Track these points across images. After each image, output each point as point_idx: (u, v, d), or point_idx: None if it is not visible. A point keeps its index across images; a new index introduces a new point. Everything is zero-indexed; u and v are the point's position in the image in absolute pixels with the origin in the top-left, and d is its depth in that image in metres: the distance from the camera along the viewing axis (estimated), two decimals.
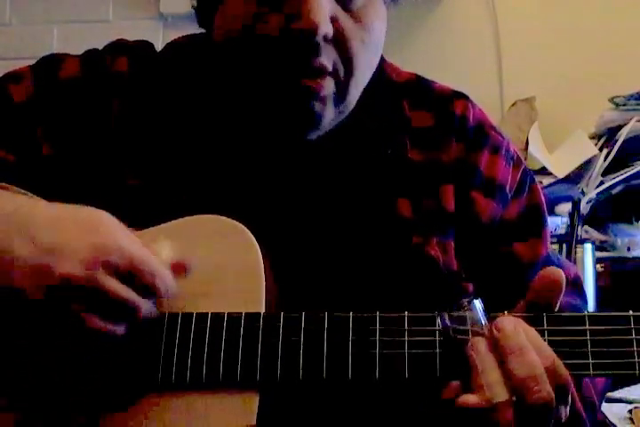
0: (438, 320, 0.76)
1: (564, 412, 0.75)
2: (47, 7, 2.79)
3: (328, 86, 0.84)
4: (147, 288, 0.75)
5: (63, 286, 0.72)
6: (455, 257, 0.91)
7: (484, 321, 0.74)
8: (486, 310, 0.75)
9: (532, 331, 0.75)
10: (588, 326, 0.76)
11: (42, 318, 0.74)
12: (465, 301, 0.74)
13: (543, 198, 1.00)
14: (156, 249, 0.78)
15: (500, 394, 0.71)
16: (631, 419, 1.48)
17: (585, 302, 0.97)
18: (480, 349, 0.72)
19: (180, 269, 0.78)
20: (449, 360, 0.76)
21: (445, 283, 0.89)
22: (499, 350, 0.72)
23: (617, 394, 1.50)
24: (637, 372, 0.75)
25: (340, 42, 0.83)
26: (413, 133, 0.94)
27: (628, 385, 1.58)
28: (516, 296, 0.91)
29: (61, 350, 0.79)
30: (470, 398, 0.71)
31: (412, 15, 2.58)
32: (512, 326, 0.73)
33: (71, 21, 2.78)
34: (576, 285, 0.98)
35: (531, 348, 0.72)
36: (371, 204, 0.90)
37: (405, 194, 0.91)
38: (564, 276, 0.76)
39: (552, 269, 0.77)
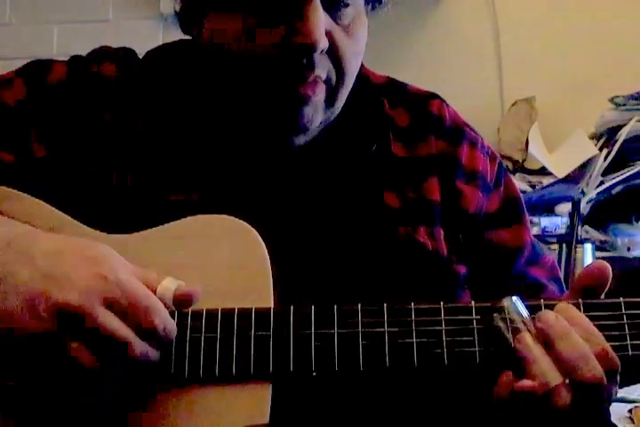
0: (489, 320, 0.79)
1: (615, 390, 0.80)
2: (47, 7, 2.79)
3: (320, 93, 0.88)
4: (144, 328, 0.74)
5: (57, 313, 0.72)
6: (445, 243, 0.95)
7: (526, 315, 0.78)
8: (526, 305, 0.79)
9: (581, 317, 0.78)
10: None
11: (32, 344, 0.73)
12: (506, 300, 0.79)
13: (518, 189, 1.06)
14: (159, 281, 0.77)
15: (555, 378, 0.75)
16: (631, 419, 1.48)
17: (561, 288, 1.02)
18: (527, 341, 0.77)
19: (185, 301, 0.77)
20: (489, 355, 0.79)
21: (436, 267, 0.92)
22: (544, 339, 0.76)
23: (617, 394, 1.51)
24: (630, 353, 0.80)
25: (333, 54, 0.88)
26: (395, 130, 0.98)
27: (628, 385, 1.58)
28: (505, 280, 0.98)
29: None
30: (527, 383, 0.75)
31: (411, 15, 2.59)
32: (552, 315, 0.78)
33: (71, 21, 2.78)
34: (554, 271, 1.04)
35: (573, 331, 0.77)
36: (359, 198, 0.93)
37: (391, 187, 0.95)
38: (610, 269, 0.82)
39: (601, 263, 0.82)
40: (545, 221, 2.19)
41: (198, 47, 0.92)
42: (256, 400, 0.78)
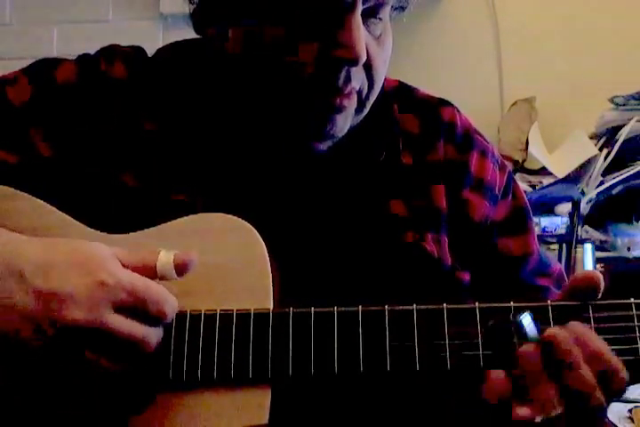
0: (491, 325, 0.77)
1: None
2: (47, 7, 2.79)
3: (354, 103, 0.89)
4: (154, 317, 0.75)
5: (69, 333, 0.72)
6: (449, 251, 0.95)
7: (536, 333, 0.75)
8: (537, 321, 0.76)
9: (590, 335, 0.75)
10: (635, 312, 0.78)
11: (48, 363, 0.74)
12: (518, 314, 0.75)
13: (525, 198, 1.05)
14: (154, 258, 0.77)
15: (556, 408, 0.72)
16: (631, 418, 1.48)
17: None
18: (533, 362, 0.74)
19: (185, 268, 0.78)
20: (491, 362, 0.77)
21: (440, 275, 0.92)
22: (552, 363, 0.74)
23: None
24: None
25: (368, 66, 0.88)
26: (404, 136, 0.98)
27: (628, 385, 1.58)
28: (511, 288, 0.97)
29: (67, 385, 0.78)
30: (525, 411, 0.73)
31: (412, 15, 2.58)
32: (565, 339, 0.74)
33: (71, 21, 2.78)
34: (562, 280, 1.02)
35: (582, 362, 0.73)
36: (367, 205, 0.93)
37: (398, 195, 0.94)
38: (601, 277, 0.79)
39: (592, 272, 0.79)
40: (545, 221, 2.19)
41: (215, 49, 0.91)
42: (255, 401, 0.78)
